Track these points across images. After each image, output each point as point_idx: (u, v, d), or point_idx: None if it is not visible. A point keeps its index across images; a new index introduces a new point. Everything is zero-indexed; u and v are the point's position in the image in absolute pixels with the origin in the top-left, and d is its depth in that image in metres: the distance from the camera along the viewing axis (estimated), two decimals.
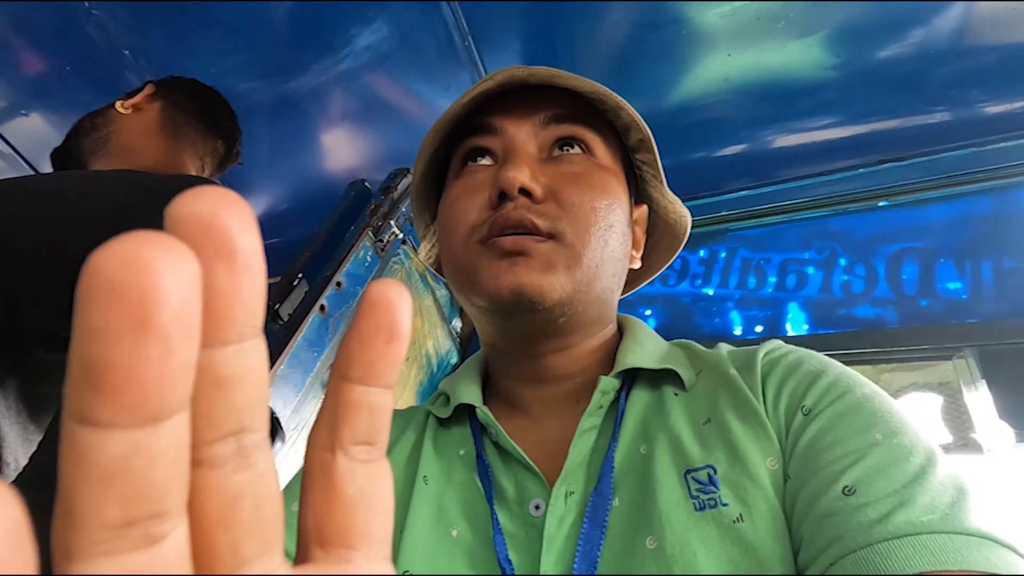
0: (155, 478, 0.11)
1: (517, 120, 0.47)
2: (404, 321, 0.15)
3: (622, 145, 0.51)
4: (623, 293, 0.54)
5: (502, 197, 0.43)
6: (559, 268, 0.42)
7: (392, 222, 0.93)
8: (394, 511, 0.48)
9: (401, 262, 0.96)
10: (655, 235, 0.55)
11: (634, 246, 0.52)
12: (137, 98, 1.03)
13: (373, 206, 0.91)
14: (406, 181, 0.97)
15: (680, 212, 0.54)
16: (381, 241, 0.90)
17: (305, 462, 0.15)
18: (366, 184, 0.98)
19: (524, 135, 0.46)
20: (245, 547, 0.13)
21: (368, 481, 0.15)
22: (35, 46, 1.32)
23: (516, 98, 0.47)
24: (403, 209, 0.96)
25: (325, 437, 0.15)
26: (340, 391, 0.15)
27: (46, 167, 1.56)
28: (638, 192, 0.53)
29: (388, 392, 0.15)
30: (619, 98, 0.47)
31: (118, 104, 1.02)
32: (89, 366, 0.10)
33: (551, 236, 0.42)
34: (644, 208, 0.53)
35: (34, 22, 1.27)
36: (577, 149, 0.47)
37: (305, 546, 0.15)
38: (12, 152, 1.52)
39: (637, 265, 0.53)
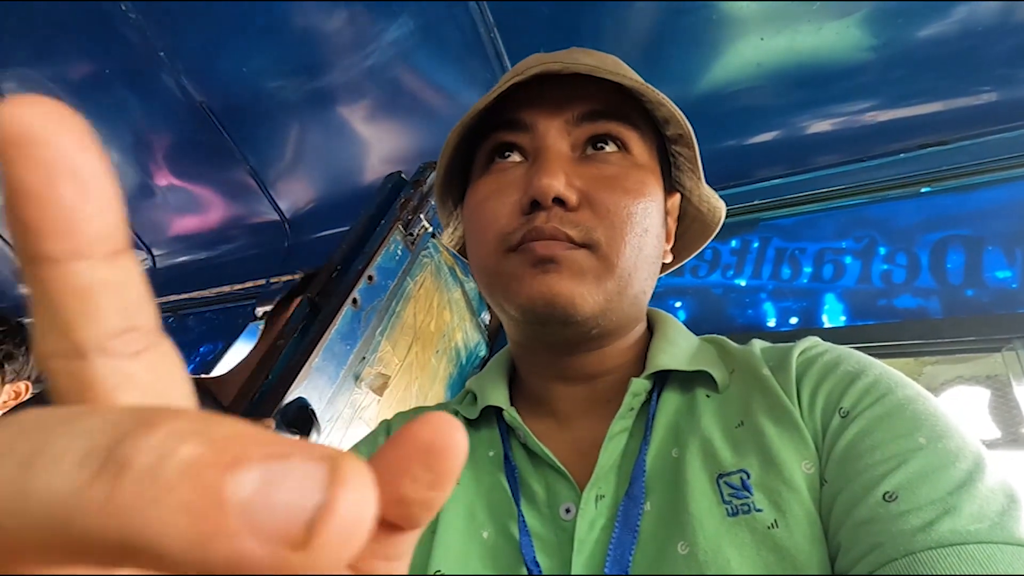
0: None
1: (548, 115, 0.44)
2: (87, 153, 0.12)
3: (658, 133, 0.49)
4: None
5: (534, 205, 0.41)
6: (589, 277, 0.41)
7: (422, 216, 0.94)
8: None
9: (431, 255, 0.96)
10: (685, 222, 0.54)
11: (665, 239, 0.50)
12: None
13: (403, 200, 0.92)
14: (434, 173, 0.98)
15: (714, 204, 0.52)
16: (411, 235, 0.91)
17: (52, 385, 0.12)
18: (403, 176, 0.99)
19: (556, 132, 0.44)
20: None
21: (150, 374, 0.12)
22: (76, 49, 1.37)
23: (547, 88, 0.44)
24: (432, 203, 0.97)
25: (60, 344, 0.12)
26: (51, 279, 0.11)
27: None
28: (670, 179, 0.51)
29: (121, 258, 0.12)
30: (660, 94, 0.44)
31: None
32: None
33: (584, 245, 0.41)
34: (676, 197, 0.51)
35: (74, 26, 1.31)
36: (612, 147, 0.44)
37: None
38: None
39: (668, 259, 0.51)
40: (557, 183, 0.40)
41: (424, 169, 0.97)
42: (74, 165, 0.11)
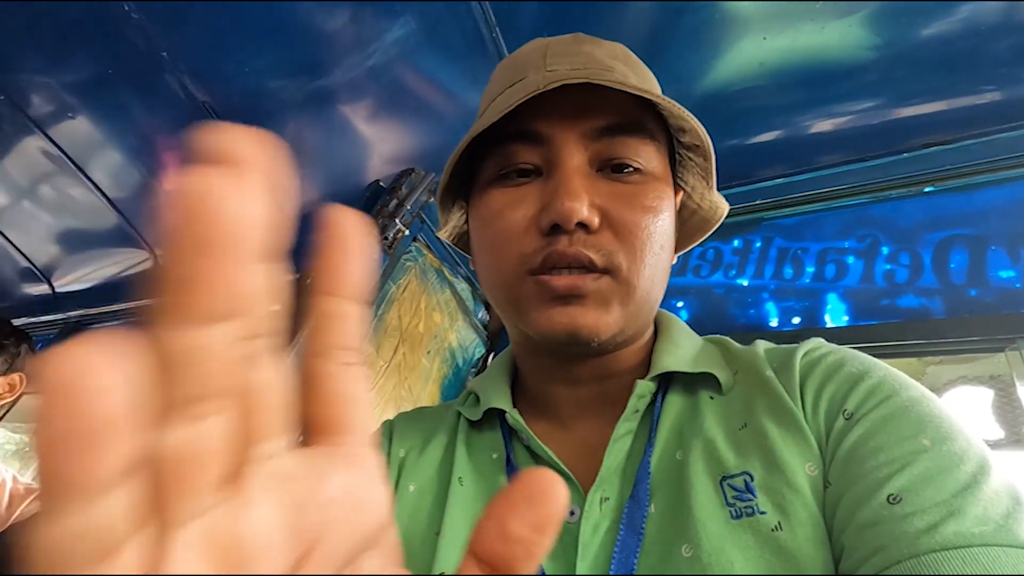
0: (206, 368, 0.13)
1: (564, 127, 0.42)
2: (364, 238, 0.17)
3: (669, 135, 0.48)
4: None
5: (555, 227, 0.40)
6: (614, 305, 0.41)
7: (397, 220, 0.94)
8: (430, 512, 0.47)
9: (414, 259, 0.97)
10: (682, 215, 0.53)
11: None
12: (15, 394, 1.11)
13: (379, 206, 0.92)
14: (411, 180, 0.98)
15: (717, 203, 0.52)
16: (387, 239, 0.91)
17: (302, 370, 0.17)
18: (380, 184, 1.00)
19: (573, 146, 0.42)
20: (256, 431, 0.15)
21: (351, 380, 0.17)
22: (78, 50, 1.37)
23: (561, 95, 0.42)
24: (408, 207, 0.97)
25: (313, 346, 0.17)
26: (318, 304, 0.17)
27: (93, 169, 1.62)
28: (675, 178, 0.50)
29: (360, 302, 0.17)
30: (682, 109, 0.42)
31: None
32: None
33: (606, 271, 0.40)
34: (680, 195, 0.51)
35: (76, 26, 1.32)
36: (632, 167, 0.43)
37: (307, 437, 0.18)
38: (61, 154, 1.59)
39: (674, 261, 0.50)
40: (580, 207, 0.39)
41: (400, 176, 0.98)
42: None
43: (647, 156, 0.43)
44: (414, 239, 0.97)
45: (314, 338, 0.17)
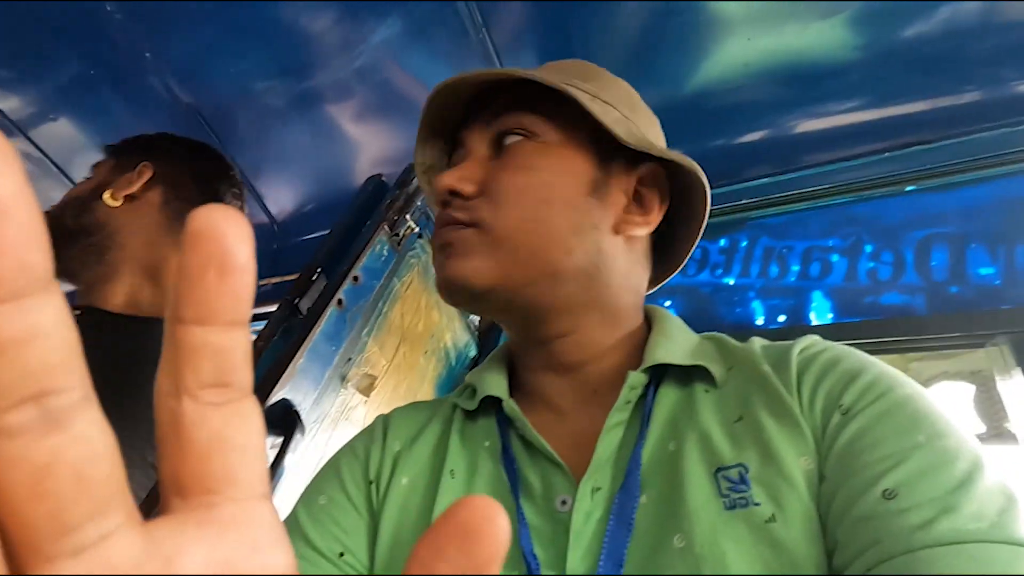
0: None
1: (472, 126, 0.50)
2: (238, 250, 0.13)
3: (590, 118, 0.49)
4: (666, 272, 0.54)
5: (444, 203, 0.47)
6: (477, 253, 0.44)
7: (408, 216, 0.94)
8: (420, 505, 0.47)
9: (418, 256, 0.96)
10: (680, 184, 0.52)
11: (640, 210, 0.49)
12: (133, 185, 0.81)
13: (388, 201, 0.92)
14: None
15: (688, 164, 0.50)
16: (397, 235, 0.91)
17: (155, 414, 0.14)
18: (382, 179, 0.99)
19: (476, 139, 0.49)
20: (68, 513, 0.12)
21: (224, 424, 0.14)
22: (60, 50, 1.35)
23: (482, 103, 0.50)
24: (418, 203, 0.96)
25: (168, 384, 0.14)
26: (176, 335, 0.14)
27: (75, 172, 1.60)
28: (626, 152, 0.48)
29: (235, 330, 0.14)
30: (550, 80, 0.45)
31: (106, 195, 0.79)
32: None
33: (470, 224, 0.45)
34: (651, 167, 0.50)
35: (58, 26, 1.30)
36: (516, 137, 0.47)
37: (165, 500, 0.14)
38: (42, 156, 1.56)
39: (642, 232, 0.49)
40: (448, 179, 0.45)
41: (409, 170, 0.97)
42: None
43: (536, 126, 0.47)
44: (419, 236, 0.97)
45: (173, 376, 0.14)
